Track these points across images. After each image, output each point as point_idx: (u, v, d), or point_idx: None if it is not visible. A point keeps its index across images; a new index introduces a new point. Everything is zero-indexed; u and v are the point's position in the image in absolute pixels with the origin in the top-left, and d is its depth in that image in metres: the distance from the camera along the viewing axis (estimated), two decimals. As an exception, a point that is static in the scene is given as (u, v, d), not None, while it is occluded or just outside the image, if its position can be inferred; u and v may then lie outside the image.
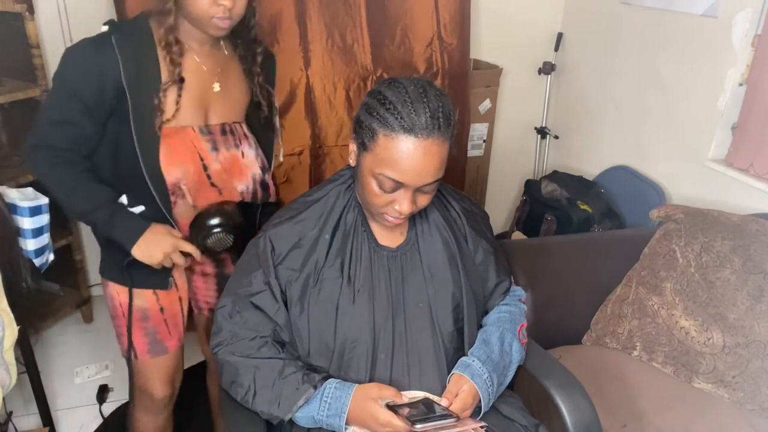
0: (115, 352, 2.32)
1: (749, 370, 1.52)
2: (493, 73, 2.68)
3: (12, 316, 1.22)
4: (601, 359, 1.65)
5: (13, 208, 1.48)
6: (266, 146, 1.48)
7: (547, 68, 2.83)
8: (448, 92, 1.09)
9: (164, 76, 1.25)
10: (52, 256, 1.59)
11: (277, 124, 1.52)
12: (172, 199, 1.32)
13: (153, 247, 1.28)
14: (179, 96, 1.27)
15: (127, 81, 1.22)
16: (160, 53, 1.26)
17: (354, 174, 1.18)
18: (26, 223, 1.49)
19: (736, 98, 1.98)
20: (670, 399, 1.51)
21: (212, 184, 1.34)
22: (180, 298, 1.46)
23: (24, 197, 1.48)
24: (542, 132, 2.94)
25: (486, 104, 2.69)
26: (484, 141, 2.77)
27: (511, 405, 1.22)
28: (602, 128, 2.63)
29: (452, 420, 1.06)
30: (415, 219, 1.21)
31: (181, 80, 1.27)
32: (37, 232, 1.52)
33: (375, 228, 1.19)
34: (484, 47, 2.72)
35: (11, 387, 1.21)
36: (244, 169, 1.38)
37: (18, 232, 1.49)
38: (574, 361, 1.57)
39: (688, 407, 1.49)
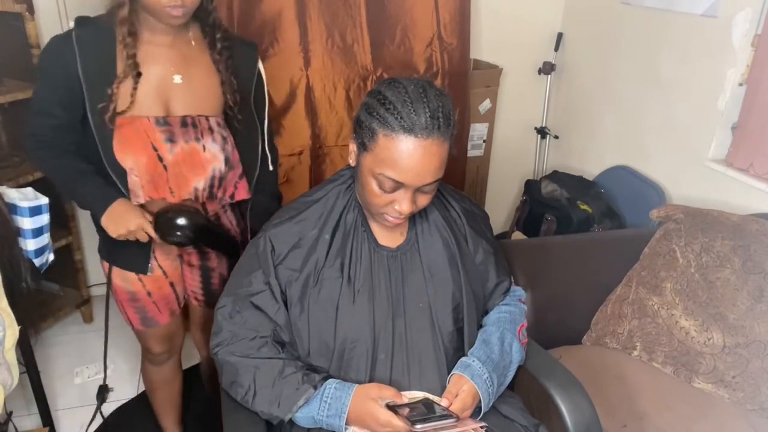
0: (115, 352, 2.34)
1: (749, 370, 1.52)
2: (493, 73, 2.68)
3: (12, 316, 1.22)
4: (601, 359, 1.65)
5: (13, 208, 1.48)
6: (240, 142, 1.46)
7: (547, 68, 2.83)
8: (448, 92, 1.09)
9: (119, 68, 1.29)
10: (52, 256, 1.59)
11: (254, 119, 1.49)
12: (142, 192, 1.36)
13: (120, 219, 1.33)
14: (134, 88, 1.29)
15: (84, 74, 1.27)
16: (118, 47, 1.29)
17: (354, 174, 1.18)
18: (26, 223, 1.49)
19: (736, 98, 1.98)
20: (670, 399, 1.51)
21: (167, 179, 1.36)
22: (172, 283, 1.53)
23: (24, 197, 1.48)
24: (542, 132, 2.94)
25: (486, 104, 2.69)
26: (484, 141, 2.77)
27: (511, 405, 1.22)
28: (602, 128, 2.63)
29: (452, 420, 1.06)
30: (415, 219, 1.21)
31: (138, 74, 1.29)
32: (37, 232, 1.52)
33: (375, 228, 1.19)
34: (484, 47, 2.72)
35: (13, 387, 1.20)
36: (204, 163, 1.38)
37: (18, 232, 1.49)
38: (574, 361, 1.57)
39: (689, 407, 1.49)
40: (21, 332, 1.24)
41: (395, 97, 1.02)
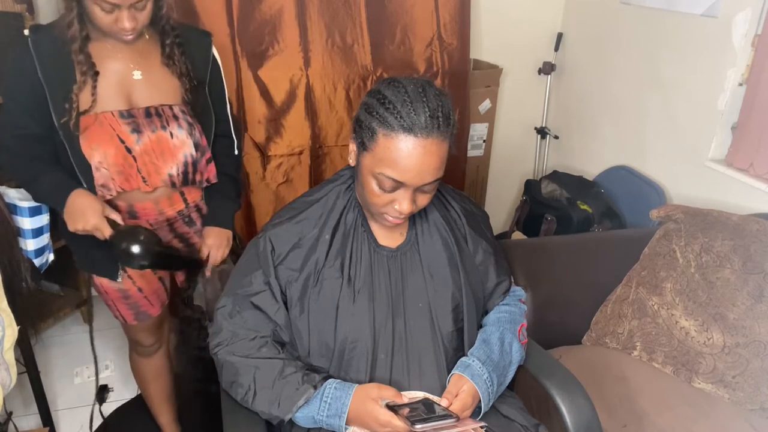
0: (115, 352, 2.34)
1: (749, 370, 1.52)
2: (493, 73, 2.68)
3: (12, 316, 1.22)
4: (601, 359, 1.65)
5: (13, 208, 1.48)
6: (205, 127, 1.48)
7: (547, 68, 2.83)
8: (447, 92, 1.09)
9: (77, 70, 1.31)
10: (52, 256, 1.59)
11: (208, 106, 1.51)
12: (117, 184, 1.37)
13: (77, 215, 1.33)
14: (94, 87, 1.32)
15: (44, 78, 1.29)
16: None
17: (354, 174, 1.18)
18: (26, 223, 1.49)
19: (736, 98, 1.98)
20: (670, 399, 1.51)
21: (138, 170, 1.37)
22: (160, 278, 1.58)
23: (24, 197, 1.48)
24: (542, 132, 2.94)
25: (486, 104, 2.69)
26: (484, 141, 2.77)
27: (511, 405, 1.22)
28: (602, 128, 2.63)
29: (452, 420, 1.06)
30: (414, 219, 1.21)
31: (96, 74, 1.31)
32: (37, 232, 1.52)
33: (375, 228, 1.19)
34: (484, 47, 2.72)
35: (11, 387, 1.20)
36: (174, 149, 1.40)
37: (18, 232, 1.49)
38: (574, 361, 1.57)
39: (689, 407, 1.49)
40: (21, 332, 1.24)
41: (395, 96, 1.02)
